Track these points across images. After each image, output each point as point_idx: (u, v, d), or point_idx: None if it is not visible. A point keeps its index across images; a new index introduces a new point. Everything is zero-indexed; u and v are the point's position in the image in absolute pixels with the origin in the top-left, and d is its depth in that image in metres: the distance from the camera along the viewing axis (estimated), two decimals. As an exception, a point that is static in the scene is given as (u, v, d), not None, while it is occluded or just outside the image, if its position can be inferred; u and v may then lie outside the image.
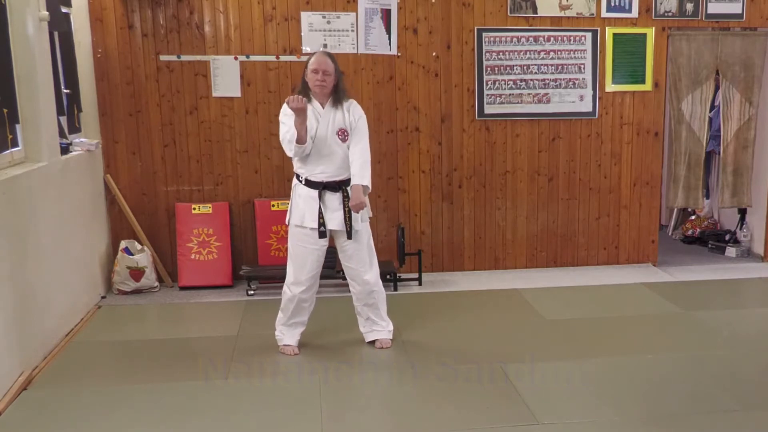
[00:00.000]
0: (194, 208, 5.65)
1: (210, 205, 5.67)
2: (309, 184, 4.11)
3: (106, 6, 5.43)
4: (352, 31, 5.67)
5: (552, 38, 5.87)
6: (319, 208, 4.08)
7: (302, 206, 4.11)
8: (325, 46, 5.62)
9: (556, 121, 5.99)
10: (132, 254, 5.50)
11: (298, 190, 4.15)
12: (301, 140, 3.93)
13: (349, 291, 4.36)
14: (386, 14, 5.68)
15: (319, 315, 4.54)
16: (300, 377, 3.98)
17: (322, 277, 4.31)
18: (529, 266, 6.19)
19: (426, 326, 4.75)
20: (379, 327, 4.39)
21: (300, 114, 3.88)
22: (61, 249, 4.55)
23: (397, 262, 5.76)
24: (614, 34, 5.93)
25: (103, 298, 5.42)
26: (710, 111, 6.27)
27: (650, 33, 5.96)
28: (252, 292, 5.46)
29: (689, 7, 5.95)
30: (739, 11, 5.99)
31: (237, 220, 5.80)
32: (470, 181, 5.99)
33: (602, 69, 5.97)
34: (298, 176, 4.16)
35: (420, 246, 5.93)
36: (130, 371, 4.06)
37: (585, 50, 5.93)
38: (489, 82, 5.86)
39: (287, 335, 4.30)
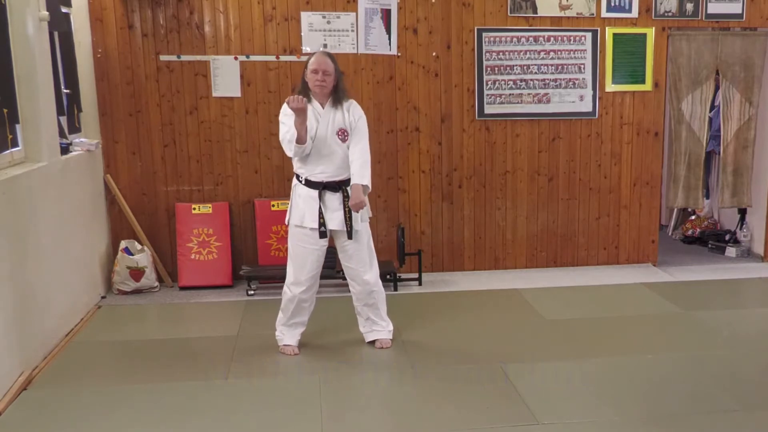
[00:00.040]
0: (194, 208, 5.65)
1: (210, 205, 5.67)
2: (309, 184, 4.11)
3: (106, 6, 5.43)
4: (352, 31, 5.67)
5: (552, 38, 5.87)
6: (319, 208, 4.08)
7: (302, 206, 4.11)
8: (325, 46, 5.62)
9: (556, 121, 5.99)
10: (132, 254, 5.50)
11: (298, 190, 4.15)
12: (301, 140, 3.93)
13: (349, 291, 4.36)
14: (386, 14, 5.68)
15: (319, 315, 4.54)
16: (300, 377, 3.98)
17: (322, 277, 4.31)
18: (529, 266, 6.19)
19: (426, 326, 4.75)
20: (379, 327, 4.39)
21: (300, 114, 3.88)
22: (61, 249, 4.55)
23: (397, 262, 5.76)
24: (614, 34, 5.94)
25: (103, 298, 5.42)
26: (710, 111, 6.27)
27: (650, 33, 5.96)
28: (252, 292, 5.46)
29: (689, 7, 5.95)
30: (739, 11, 5.99)
31: (237, 220, 5.80)
32: (470, 181, 5.99)
33: (602, 69, 5.97)
34: (298, 176, 4.16)
35: (420, 246, 5.93)
36: (130, 371, 4.06)
37: (585, 50, 5.93)
38: (489, 82, 5.86)
39: (287, 335, 4.30)
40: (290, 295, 4.20)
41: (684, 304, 5.20)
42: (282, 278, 4.33)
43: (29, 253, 4.05)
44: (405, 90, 5.80)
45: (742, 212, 6.73)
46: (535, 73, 5.90)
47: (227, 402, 3.64)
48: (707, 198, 7.02)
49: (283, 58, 5.65)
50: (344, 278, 4.41)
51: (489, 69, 5.85)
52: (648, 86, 6.04)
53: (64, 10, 5.08)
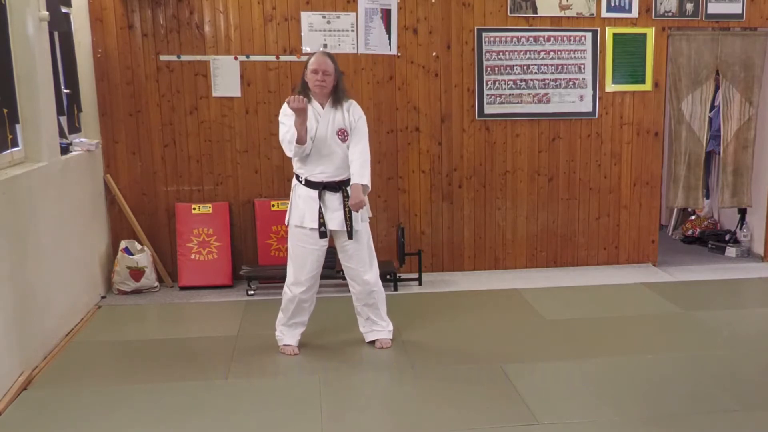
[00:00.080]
0: (194, 208, 5.65)
1: (210, 205, 5.67)
2: (309, 184, 4.10)
3: (106, 6, 5.43)
4: (352, 31, 5.67)
5: (552, 38, 5.87)
6: (319, 208, 4.08)
7: (302, 206, 4.11)
8: (325, 46, 5.62)
9: (556, 121, 5.99)
10: (132, 254, 5.50)
11: (298, 190, 4.15)
12: (301, 140, 3.93)
13: (349, 291, 4.36)
14: (386, 14, 5.68)
15: (319, 315, 4.54)
16: (300, 377, 3.98)
17: (322, 277, 4.31)
18: (529, 266, 6.19)
19: (426, 326, 4.75)
20: (379, 327, 4.39)
21: (300, 114, 3.87)
22: (61, 249, 4.55)
23: (397, 262, 5.76)
24: (614, 34, 5.94)
25: (103, 298, 5.42)
26: (710, 111, 6.27)
27: (650, 33, 5.96)
28: (252, 292, 5.46)
29: (689, 7, 5.95)
30: (739, 11, 5.99)
31: (237, 220, 5.80)
32: (470, 181, 5.99)
33: (602, 69, 5.97)
34: (297, 176, 4.16)
35: (420, 246, 5.93)
36: (130, 371, 4.06)
37: (585, 50, 5.93)
38: (489, 82, 5.86)
39: (287, 335, 4.30)
40: (290, 296, 4.20)
41: (684, 304, 5.20)
42: (282, 278, 4.33)
43: (29, 253, 4.05)
44: (405, 90, 5.80)
45: (742, 212, 6.73)
46: (535, 73, 5.90)
47: (227, 402, 3.64)
48: (707, 198, 7.02)
49: (283, 58, 5.65)
50: (344, 278, 4.41)
51: (489, 69, 5.85)
52: (648, 86, 6.04)
53: (64, 10, 5.08)
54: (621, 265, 6.26)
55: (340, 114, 4.09)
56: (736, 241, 6.74)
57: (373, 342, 4.39)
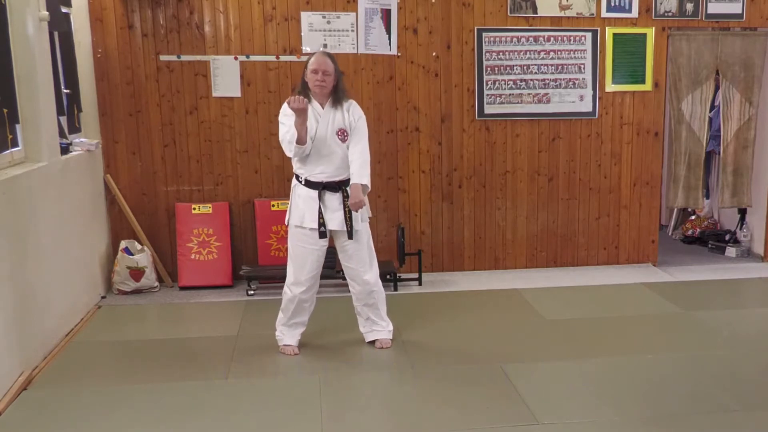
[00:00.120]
0: (194, 208, 5.65)
1: (210, 205, 5.67)
2: (309, 184, 4.10)
3: (106, 6, 5.43)
4: (352, 31, 5.67)
5: (552, 38, 5.87)
6: (319, 208, 4.08)
7: (302, 206, 4.11)
8: (325, 46, 5.62)
9: (556, 121, 5.99)
10: (132, 254, 5.50)
11: (298, 190, 4.15)
12: (301, 141, 3.93)
13: (349, 291, 4.36)
14: (386, 14, 5.68)
15: (319, 315, 4.54)
16: (300, 377, 3.98)
17: (322, 277, 4.31)
18: (529, 266, 6.19)
19: (426, 326, 4.75)
20: (379, 327, 4.39)
21: (301, 114, 3.87)
22: (61, 249, 4.55)
23: (397, 262, 5.76)
24: (614, 34, 5.94)
25: (103, 298, 5.42)
26: (710, 111, 6.27)
27: (650, 33, 5.96)
28: (252, 292, 5.46)
29: (689, 7, 5.95)
30: (739, 11, 5.99)
31: (237, 220, 5.80)
32: (470, 181, 5.99)
33: (602, 69, 5.97)
34: (297, 176, 4.16)
35: (420, 246, 5.93)
36: (130, 371, 4.06)
37: (585, 50, 5.93)
38: (489, 82, 5.86)
39: (287, 335, 4.30)
40: (290, 296, 4.20)
41: (684, 304, 5.20)
42: (282, 278, 4.33)
43: (29, 253, 4.05)
44: (405, 90, 5.80)
45: (742, 212, 6.73)
46: (535, 73, 5.90)
47: (227, 402, 3.64)
48: (707, 198, 7.02)
49: (283, 58, 5.65)
50: (344, 278, 4.41)
51: (489, 69, 5.85)
52: (648, 86, 6.04)
53: (64, 10, 5.08)
54: (621, 265, 6.26)
55: (340, 114, 4.09)
56: (736, 241, 6.74)
57: (373, 342, 4.39)
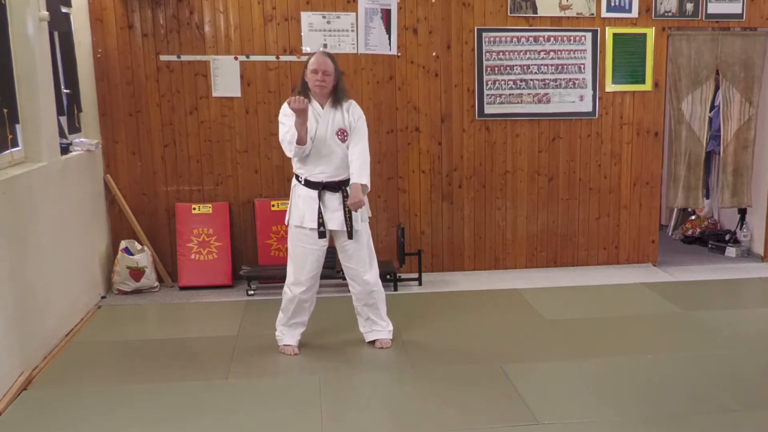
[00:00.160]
0: (194, 208, 5.65)
1: (210, 205, 5.67)
2: (308, 184, 4.10)
3: (106, 6, 5.43)
4: (352, 31, 5.67)
5: (552, 38, 5.87)
6: (319, 208, 4.08)
7: (302, 206, 4.11)
8: (325, 46, 5.62)
9: (556, 121, 5.99)
10: (132, 254, 5.50)
11: (298, 190, 4.15)
12: (301, 141, 3.93)
13: (349, 291, 4.36)
14: (386, 14, 5.68)
15: (319, 315, 4.54)
16: (300, 377, 3.98)
17: (322, 277, 4.31)
18: (529, 266, 6.19)
19: (426, 326, 4.75)
20: (379, 327, 4.39)
21: (301, 115, 3.87)
22: (61, 249, 4.55)
23: (397, 262, 5.76)
24: (614, 34, 5.93)
25: (103, 298, 5.42)
26: (710, 111, 6.27)
27: (650, 33, 5.96)
28: (252, 292, 5.46)
29: (689, 7, 5.95)
30: (739, 11, 5.99)
31: (237, 220, 5.80)
32: (470, 181, 5.99)
33: (602, 69, 5.97)
34: (297, 177, 4.16)
35: (420, 246, 5.93)
36: (130, 371, 4.06)
37: (585, 50, 5.93)
38: (489, 82, 5.86)
39: (287, 335, 4.30)
40: (290, 296, 4.20)
41: (684, 304, 5.20)
42: (282, 278, 4.33)
43: (29, 253, 4.05)
44: (405, 90, 5.80)
45: (742, 212, 6.73)
46: (535, 73, 5.90)
47: (227, 402, 3.64)
48: (707, 198, 7.02)
49: (283, 58, 5.65)
50: (344, 278, 4.41)
51: (489, 69, 5.85)
52: (648, 86, 6.04)
53: (64, 10, 5.08)
54: (621, 265, 6.26)
55: (340, 114, 4.09)
56: (736, 241, 6.74)
57: (373, 342, 4.39)
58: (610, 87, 6.01)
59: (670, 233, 7.51)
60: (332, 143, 4.07)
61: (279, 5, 5.58)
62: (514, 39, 5.83)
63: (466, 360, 4.18)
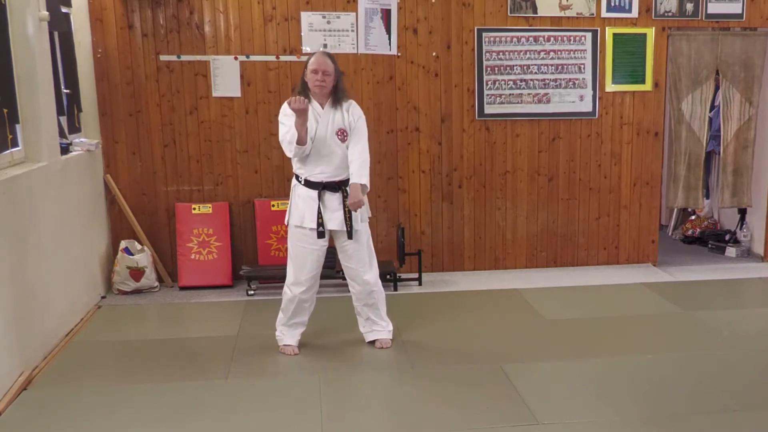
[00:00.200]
0: (194, 208, 5.65)
1: (210, 205, 5.67)
2: (308, 184, 4.10)
3: (106, 6, 5.43)
4: (352, 31, 5.67)
5: (552, 38, 5.87)
6: (318, 208, 4.08)
7: (302, 206, 4.11)
8: (325, 46, 5.62)
9: (556, 121, 5.99)
10: (132, 254, 5.50)
11: (298, 190, 4.15)
12: (301, 141, 3.93)
13: (349, 291, 4.36)
14: (386, 14, 5.68)
15: (319, 315, 4.54)
16: (300, 377, 3.98)
17: (322, 277, 4.31)
18: (529, 266, 6.19)
19: (426, 326, 4.75)
20: (379, 327, 4.39)
21: (301, 115, 3.87)
22: (61, 249, 4.55)
23: (397, 262, 5.76)
24: (614, 34, 5.94)
25: (103, 298, 5.42)
26: (710, 111, 6.27)
27: (650, 33, 5.96)
28: (252, 292, 5.46)
29: (689, 7, 5.95)
30: (739, 11, 5.99)
31: (237, 220, 5.80)
32: (470, 181, 5.99)
33: (602, 69, 5.97)
34: (297, 177, 4.16)
35: (420, 246, 5.93)
36: (130, 371, 4.06)
37: (585, 50, 5.93)
38: (489, 82, 5.86)
39: (287, 335, 4.30)
40: (290, 296, 4.20)
41: (684, 304, 5.20)
42: (282, 278, 4.33)
43: (29, 253, 4.05)
44: (405, 90, 5.80)
45: (742, 212, 6.73)
46: (535, 73, 5.90)
47: (227, 402, 3.64)
48: (707, 198, 7.02)
49: (283, 58, 5.65)
50: (344, 278, 4.41)
51: (489, 69, 5.85)
52: (648, 86, 6.04)
53: (64, 10, 5.08)
54: (621, 265, 6.26)
55: (340, 114, 4.09)
56: (736, 241, 6.74)
57: (373, 342, 4.39)
58: (610, 87, 6.01)
59: (670, 233, 7.51)
60: (332, 143, 4.07)
61: (279, 5, 5.58)
62: (514, 39, 5.83)
63: (466, 360, 4.18)
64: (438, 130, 5.88)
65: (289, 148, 3.99)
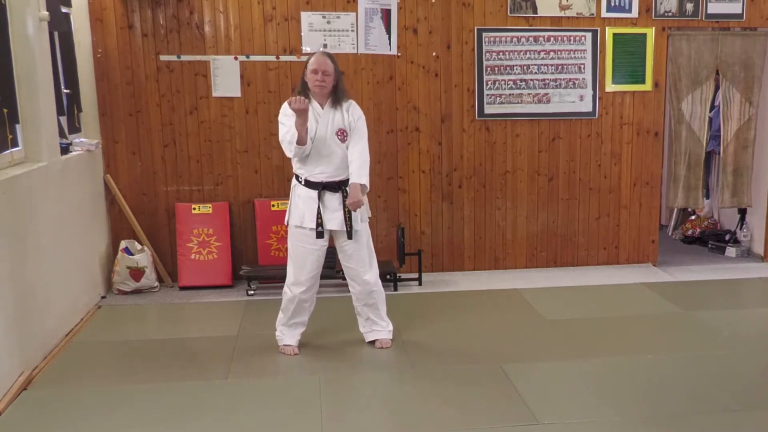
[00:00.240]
0: (194, 208, 5.65)
1: (210, 205, 5.67)
2: (308, 184, 4.10)
3: (106, 6, 5.43)
4: (352, 31, 5.67)
5: (552, 38, 5.87)
6: (318, 208, 4.08)
7: (302, 207, 4.11)
8: (325, 46, 5.62)
9: (556, 121, 5.99)
10: (132, 254, 5.50)
11: (298, 190, 4.15)
12: (301, 141, 3.93)
13: (349, 291, 4.36)
14: (386, 14, 5.68)
15: (319, 315, 4.54)
16: (300, 377, 3.98)
17: (322, 277, 4.31)
18: (529, 266, 6.19)
19: (426, 326, 4.75)
20: (379, 327, 4.39)
21: (302, 115, 3.87)
22: (61, 249, 4.55)
23: (397, 262, 5.76)
24: (614, 34, 5.93)
25: (103, 298, 5.42)
26: (710, 111, 6.27)
27: (650, 33, 5.96)
28: (252, 292, 5.46)
29: (689, 7, 5.95)
30: (739, 11, 5.99)
31: (237, 220, 5.80)
32: (470, 181, 5.99)
33: (602, 69, 5.97)
34: (297, 177, 4.16)
35: (420, 246, 5.93)
36: (130, 371, 4.06)
37: (585, 50, 5.93)
38: (489, 82, 5.86)
39: (287, 335, 4.30)
40: (290, 296, 4.20)
41: (684, 304, 5.20)
42: (282, 278, 4.33)
43: (29, 253, 4.05)
44: (405, 90, 5.80)
45: (742, 212, 6.73)
46: (535, 73, 5.90)
47: (227, 402, 3.64)
48: (707, 198, 7.02)
49: (283, 58, 5.65)
50: (344, 278, 4.41)
51: (489, 69, 5.85)
52: (648, 86, 6.04)
53: (64, 10, 5.08)
54: (621, 265, 6.26)
55: (340, 114, 4.09)
56: (736, 241, 6.74)
57: (373, 342, 4.39)
58: (610, 87, 6.01)
59: (670, 233, 7.51)
60: (332, 143, 4.07)
61: (279, 5, 5.58)
62: (514, 39, 5.83)
63: (466, 360, 4.18)
64: (438, 130, 5.88)
65: (289, 148, 3.99)
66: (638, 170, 6.16)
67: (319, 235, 4.09)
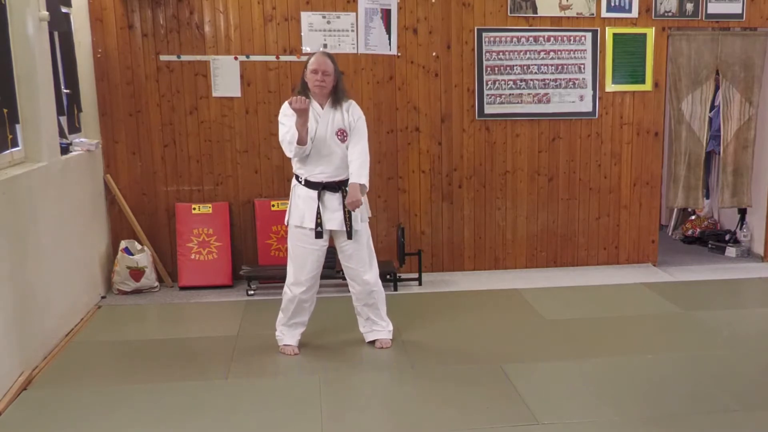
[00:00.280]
0: (194, 208, 5.65)
1: (210, 205, 5.67)
2: (308, 184, 4.10)
3: (106, 6, 5.43)
4: (352, 31, 5.67)
5: (552, 38, 5.87)
6: (318, 208, 4.08)
7: (302, 207, 4.11)
8: (325, 46, 5.62)
9: (556, 121, 5.99)
10: (132, 254, 5.50)
11: (298, 190, 4.15)
12: (302, 141, 3.93)
13: (349, 291, 4.36)
14: (386, 14, 5.68)
15: (319, 315, 4.54)
16: (300, 377, 3.98)
17: (322, 277, 4.31)
18: (529, 266, 6.19)
19: (426, 326, 4.75)
20: (379, 327, 4.39)
21: (302, 115, 3.87)
22: (61, 249, 4.55)
23: (397, 262, 5.76)
24: (614, 34, 5.93)
25: (103, 298, 5.42)
26: (710, 111, 6.27)
27: (650, 33, 5.96)
28: (252, 292, 5.46)
29: (689, 7, 5.95)
30: (739, 11, 5.99)
31: (237, 220, 5.80)
32: (470, 181, 5.99)
33: (602, 69, 5.97)
34: (297, 177, 4.16)
35: (420, 246, 5.93)
36: (130, 371, 4.06)
37: (585, 50, 5.93)
38: (489, 82, 5.86)
39: (287, 335, 4.30)
40: (290, 296, 4.20)
41: (684, 304, 5.20)
42: (282, 278, 4.33)
43: (29, 253, 4.05)
44: (405, 90, 5.80)
45: (742, 212, 6.73)
46: (535, 73, 5.90)
47: (227, 402, 3.64)
48: (707, 198, 7.02)
49: (283, 58, 5.65)
50: (344, 278, 4.41)
51: (489, 69, 5.85)
52: (648, 86, 6.04)
53: (64, 10, 5.08)
54: (621, 265, 6.26)
55: (340, 114, 4.09)
56: (736, 241, 6.74)
57: (373, 342, 4.39)
58: (610, 87, 6.01)
59: (670, 233, 7.51)
60: (332, 143, 4.07)
61: (279, 5, 5.58)
62: (514, 39, 5.83)
63: (466, 360, 4.18)
64: (438, 130, 5.88)
65: (289, 148, 3.99)
66: (638, 170, 6.16)
67: (319, 235, 4.09)
